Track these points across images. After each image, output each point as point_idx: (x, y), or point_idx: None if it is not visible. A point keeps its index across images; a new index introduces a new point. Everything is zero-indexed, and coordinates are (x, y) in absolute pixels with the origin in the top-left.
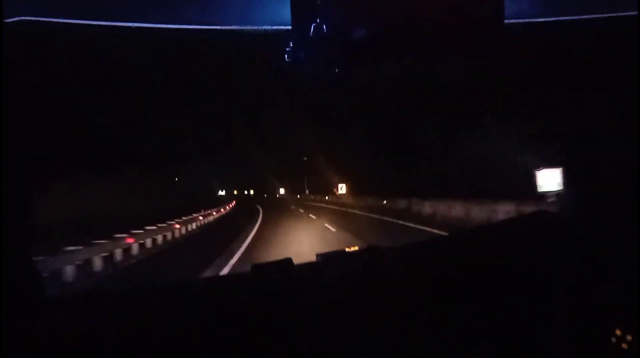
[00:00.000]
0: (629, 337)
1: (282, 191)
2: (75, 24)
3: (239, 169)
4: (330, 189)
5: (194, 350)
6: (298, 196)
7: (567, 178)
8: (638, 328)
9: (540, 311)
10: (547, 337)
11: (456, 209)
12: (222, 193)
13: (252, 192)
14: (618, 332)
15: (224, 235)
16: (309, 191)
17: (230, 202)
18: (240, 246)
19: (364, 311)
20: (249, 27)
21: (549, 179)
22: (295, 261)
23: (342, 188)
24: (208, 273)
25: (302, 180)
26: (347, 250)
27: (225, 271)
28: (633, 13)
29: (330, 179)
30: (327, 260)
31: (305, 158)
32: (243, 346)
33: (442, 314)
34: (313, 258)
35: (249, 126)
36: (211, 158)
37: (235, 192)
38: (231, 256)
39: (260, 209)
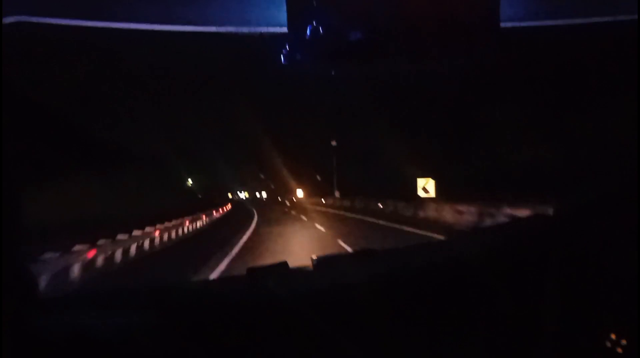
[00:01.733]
0: (623, 341)
1: (300, 193)
2: (72, 25)
3: (251, 169)
4: (390, 191)
5: (189, 353)
6: (323, 201)
7: (563, 182)
8: (633, 332)
9: (536, 316)
10: (542, 341)
11: None
12: (242, 195)
13: (264, 194)
14: (613, 336)
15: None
16: (340, 193)
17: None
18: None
19: (360, 315)
20: (245, 30)
21: None
22: (291, 265)
23: (426, 187)
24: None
25: (329, 178)
26: (342, 253)
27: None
28: (633, 17)
29: (387, 174)
30: (323, 264)
31: (333, 142)
32: (238, 349)
33: (438, 318)
34: (309, 262)
35: (261, 124)
36: (224, 159)
37: (246, 195)
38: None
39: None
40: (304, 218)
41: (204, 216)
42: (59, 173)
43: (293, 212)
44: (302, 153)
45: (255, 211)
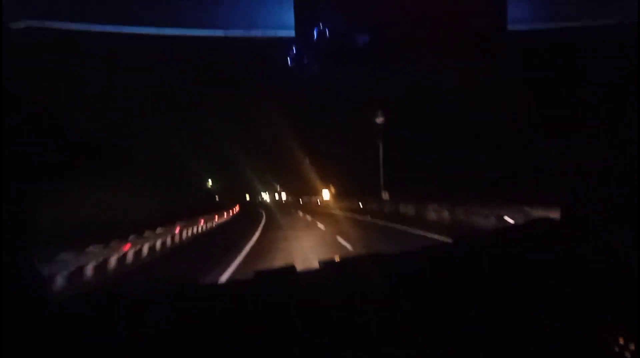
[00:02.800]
0: (632, 346)
1: (326, 195)
2: (80, 29)
3: (271, 170)
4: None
5: (198, 355)
6: (360, 205)
7: (570, 187)
8: None
9: (541, 320)
10: (548, 345)
11: None
12: (264, 196)
13: (284, 197)
14: (621, 340)
15: None
16: (390, 195)
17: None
18: None
19: (366, 318)
20: (253, 33)
21: None
22: (298, 268)
23: None
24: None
25: (370, 174)
26: (350, 256)
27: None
28: (633, 20)
29: None
30: (330, 267)
31: (380, 119)
32: (246, 352)
33: (444, 321)
34: (316, 265)
35: (280, 119)
36: (243, 160)
37: (265, 198)
38: None
39: None
40: (343, 241)
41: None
42: (73, 178)
43: (320, 225)
44: (329, 146)
45: (262, 221)
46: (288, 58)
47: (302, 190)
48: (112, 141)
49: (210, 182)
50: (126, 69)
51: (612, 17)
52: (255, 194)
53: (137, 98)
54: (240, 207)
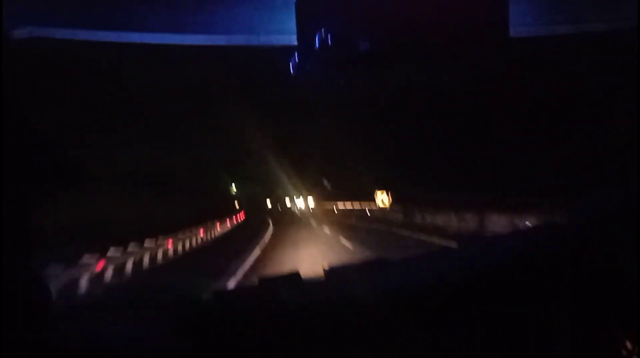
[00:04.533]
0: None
1: (382, 198)
2: (83, 37)
3: (305, 170)
4: None
5: None
6: None
7: (577, 190)
8: None
9: (548, 324)
10: (556, 351)
11: None
12: (300, 202)
13: (311, 203)
14: (629, 345)
15: None
16: None
17: None
18: None
19: (373, 328)
20: (254, 41)
21: None
22: (303, 274)
23: None
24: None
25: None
26: (355, 263)
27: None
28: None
29: None
30: (335, 274)
31: None
32: None
33: (451, 330)
34: (320, 271)
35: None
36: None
37: (299, 204)
38: None
39: None
40: None
41: None
42: (74, 185)
43: None
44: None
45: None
46: (290, 66)
47: (340, 194)
48: (107, 150)
49: (232, 187)
50: (133, 77)
51: (612, 21)
52: (278, 200)
53: (148, 106)
54: (246, 217)
